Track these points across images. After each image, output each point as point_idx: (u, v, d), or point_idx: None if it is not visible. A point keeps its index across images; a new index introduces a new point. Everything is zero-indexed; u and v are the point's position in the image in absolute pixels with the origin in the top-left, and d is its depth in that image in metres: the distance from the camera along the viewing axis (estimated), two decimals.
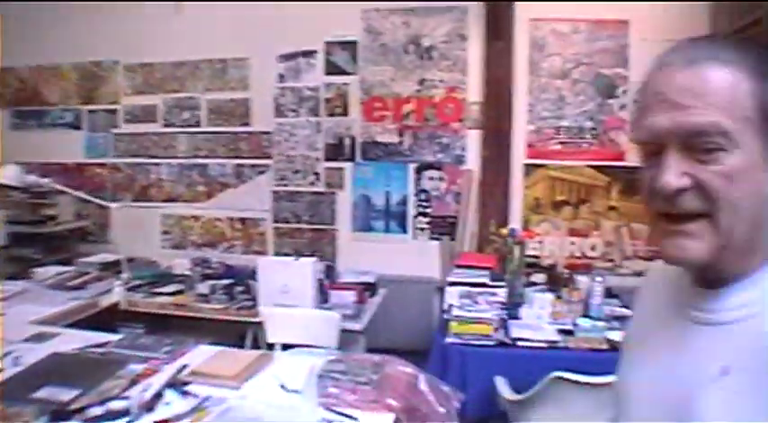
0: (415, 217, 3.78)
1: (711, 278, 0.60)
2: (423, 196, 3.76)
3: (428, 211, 3.76)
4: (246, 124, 4.07)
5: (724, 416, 0.54)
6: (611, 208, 3.53)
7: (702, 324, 0.60)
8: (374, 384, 1.52)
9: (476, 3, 3.61)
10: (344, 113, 3.87)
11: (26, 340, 2.06)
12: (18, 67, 4.52)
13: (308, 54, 3.90)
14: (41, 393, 1.60)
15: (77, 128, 4.45)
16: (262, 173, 4.08)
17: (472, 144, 3.68)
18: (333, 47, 3.86)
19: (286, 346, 2.60)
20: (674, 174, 0.55)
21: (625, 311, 2.61)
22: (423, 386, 1.56)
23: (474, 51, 3.65)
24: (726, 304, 0.59)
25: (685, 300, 0.63)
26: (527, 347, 2.26)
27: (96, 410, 1.54)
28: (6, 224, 3.83)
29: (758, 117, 0.54)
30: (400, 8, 3.73)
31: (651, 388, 0.63)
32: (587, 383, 1.94)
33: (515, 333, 2.33)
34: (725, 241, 0.56)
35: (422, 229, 3.77)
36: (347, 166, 3.89)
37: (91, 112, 4.41)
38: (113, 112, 4.33)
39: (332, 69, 3.87)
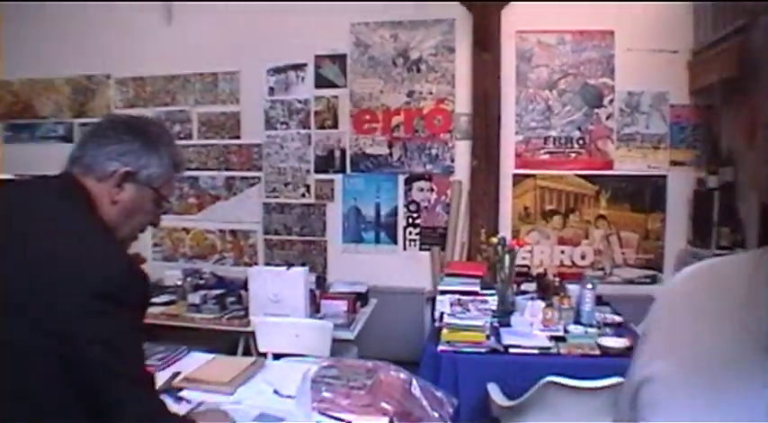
0: (406, 228, 3.73)
1: None
2: (413, 207, 3.72)
3: (418, 221, 3.71)
4: (237, 137, 4.03)
5: None
6: (600, 216, 3.49)
7: None
8: (368, 389, 1.51)
9: (463, 16, 3.61)
10: (334, 126, 3.84)
11: None
12: (11, 81, 4.47)
13: (298, 67, 3.88)
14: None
15: (69, 141, 4.39)
16: (252, 185, 4.03)
17: (461, 155, 3.65)
18: (322, 60, 3.84)
19: (277, 356, 2.55)
20: None
21: (617, 318, 2.60)
22: (416, 391, 1.56)
23: (462, 63, 3.64)
24: None
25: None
26: (519, 354, 2.24)
27: None
28: None
29: None
30: (389, 21, 3.73)
31: None
32: (581, 388, 1.91)
33: (507, 340, 2.30)
34: None
35: (412, 240, 3.72)
36: (337, 177, 3.85)
37: (83, 125, 4.35)
38: None
39: (321, 82, 3.85)
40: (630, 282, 3.44)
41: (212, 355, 1.97)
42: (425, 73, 3.69)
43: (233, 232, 4.13)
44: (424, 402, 1.53)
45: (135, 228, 1.14)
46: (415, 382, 1.59)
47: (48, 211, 1.02)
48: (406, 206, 3.73)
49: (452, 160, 3.66)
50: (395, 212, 3.75)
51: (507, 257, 2.76)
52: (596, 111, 3.49)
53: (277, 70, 3.92)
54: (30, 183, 1.15)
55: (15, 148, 4.51)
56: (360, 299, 3.04)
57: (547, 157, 3.55)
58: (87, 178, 1.06)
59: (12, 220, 1.01)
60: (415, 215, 3.71)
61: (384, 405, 1.45)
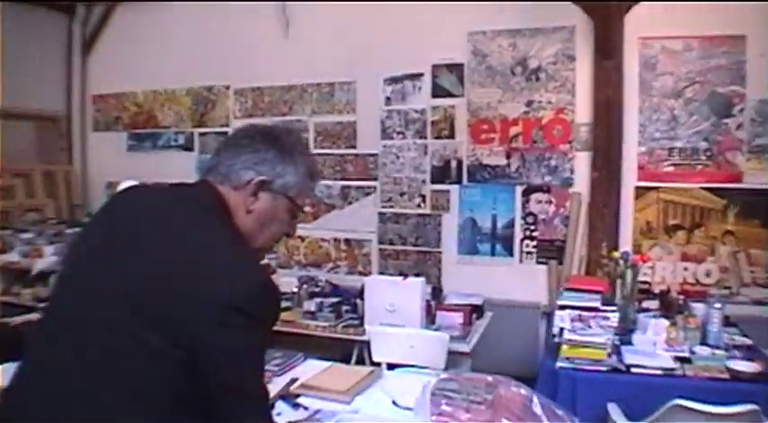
0: (522, 240, 4.96)
1: None
2: (530, 219, 4.94)
3: (535, 234, 4.92)
4: (353, 146, 5.47)
5: None
6: (728, 232, 4.52)
7: None
8: (488, 404, 1.82)
9: (584, 22, 4.76)
10: (451, 136, 5.14)
11: None
12: (136, 92, 6.29)
13: (415, 77, 5.23)
14: None
15: (189, 149, 6.12)
16: (368, 194, 5.46)
17: (581, 166, 4.79)
18: (439, 69, 5.16)
19: (391, 366, 3.16)
20: None
21: (746, 341, 3.20)
22: (537, 408, 1.83)
23: (582, 71, 4.77)
24: None
25: None
26: (642, 374, 2.77)
27: None
28: None
29: None
30: (506, 30, 4.94)
31: None
32: (711, 414, 2.30)
33: (629, 359, 2.85)
34: None
35: (529, 253, 4.95)
36: (453, 188, 5.14)
37: (202, 134, 6.07)
38: (224, 134, 5.90)
39: (438, 92, 5.16)
40: (760, 303, 4.44)
41: (329, 363, 2.59)
42: (545, 82, 4.88)
43: (347, 241, 5.59)
44: (545, 421, 1.80)
45: (270, 238, 1.50)
46: (535, 398, 1.87)
47: (182, 216, 1.37)
48: (524, 218, 4.96)
49: (572, 172, 4.82)
50: (511, 224, 4.98)
51: (629, 273, 3.51)
52: (725, 120, 4.51)
53: (394, 80, 5.30)
54: (166, 188, 1.51)
55: (138, 156, 6.32)
56: (475, 311, 4.04)
57: (671, 169, 4.62)
58: (223, 187, 1.42)
59: (146, 224, 1.35)
60: (532, 227, 4.94)
61: (505, 421, 1.75)
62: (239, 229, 1.42)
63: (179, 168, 6.06)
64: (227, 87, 5.92)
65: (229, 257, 1.31)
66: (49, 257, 4.98)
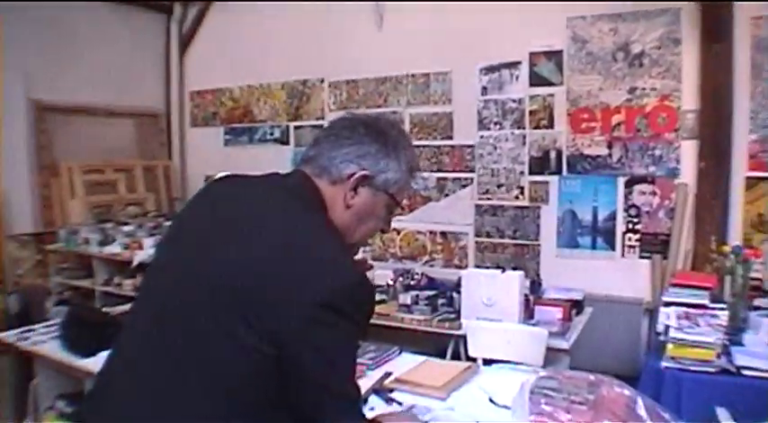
0: (624, 233, 5.18)
1: None
2: (633, 211, 5.16)
3: (638, 227, 5.13)
4: (449, 137, 5.83)
5: None
6: None
7: None
8: (590, 405, 1.84)
9: (690, 3, 4.90)
10: (550, 125, 5.41)
11: None
12: (232, 88, 6.88)
13: (512, 65, 5.53)
14: None
15: (285, 143, 6.66)
16: (464, 186, 5.81)
17: (687, 155, 4.94)
18: (537, 57, 5.44)
19: (487, 362, 3.24)
20: None
21: None
22: (641, 411, 1.83)
23: (689, 56, 4.92)
24: None
25: None
26: (754, 377, 2.76)
27: None
28: None
29: None
30: (607, 14, 5.14)
31: None
32: None
33: (740, 361, 2.84)
34: None
35: (631, 247, 5.17)
36: (553, 179, 5.41)
37: (297, 127, 6.58)
38: (319, 127, 6.39)
39: (537, 80, 5.44)
40: None
41: (424, 358, 2.69)
42: (648, 67, 5.06)
43: (443, 234, 5.96)
44: None
45: (366, 233, 1.56)
46: (640, 400, 1.87)
47: (279, 207, 1.43)
48: (626, 210, 5.18)
49: (677, 161, 4.99)
50: (613, 217, 5.21)
51: (741, 269, 3.49)
52: None
53: (490, 69, 5.62)
54: (262, 177, 1.56)
55: (235, 150, 6.92)
56: (575, 306, 4.22)
57: None
58: (321, 180, 1.48)
59: (242, 211, 1.42)
60: (635, 220, 5.15)
61: None
62: (334, 224, 1.47)
63: (275, 162, 6.57)
64: (322, 81, 6.41)
65: (325, 253, 1.36)
66: (148, 249, 5.46)
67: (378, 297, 4.46)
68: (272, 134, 6.77)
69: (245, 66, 6.82)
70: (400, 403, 2.22)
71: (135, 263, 5.47)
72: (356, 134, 1.51)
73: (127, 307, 3.93)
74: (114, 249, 5.76)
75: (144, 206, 6.88)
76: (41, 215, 6.39)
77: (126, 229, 5.93)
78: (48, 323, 3.44)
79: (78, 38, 6.51)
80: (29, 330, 3.26)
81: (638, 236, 5.16)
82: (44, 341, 3.08)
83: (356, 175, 1.47)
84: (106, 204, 6.58)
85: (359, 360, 2.56)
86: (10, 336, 3.20)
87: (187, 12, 7.31)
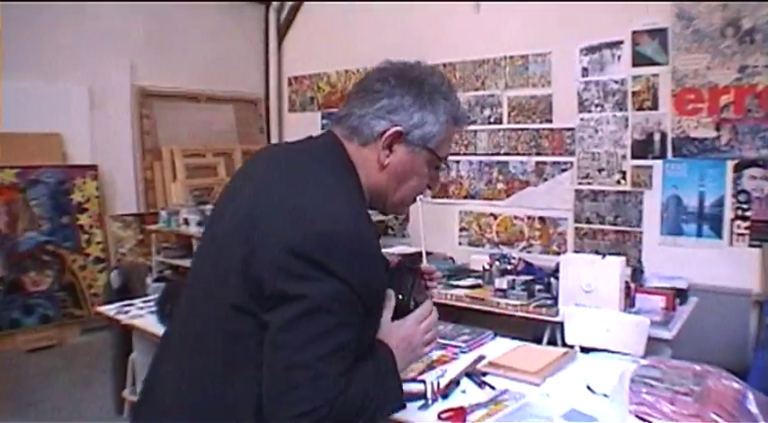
0: (733, 220, 5.04)
1: None
2: (742, 197, 5.01)
3: (748, 214, 4.97)
4: (549, 121, 5.81)
5: None
6: None
7: None
8: (696, 396, 1.79)
9: None
10: (654, 107, 5.31)
11: None
12: (329, 73, 7.07)
13: (613, 45, 5.45)
14: None
15: None
16: (564, 171, 5.79)
17: None
18: (640, 36, 5.34)
19: (584, 349, 3.11)
20: None
21: None
22: (752, 406, 1.76)
23: None
24: None
25: None
26: None
27: None
28: None
29: None
30: None
31: None
32: None
33: None
34: None
35: (740, 235, 5.03)
36: (656, 163, 5.32)
37: None
38: None
39: (640, 60, 5.34)
40: None
41: (519, 342, 2.66)
42: (760, 44, 4.87)
43: (542, 219, 5.96)
44: (762, 421, 1.73)
45: (408, 193, 1.50)
46: (750, 395, 1.80)
47: (292, 169, 1.40)
48: (735, 196, 5.04)
49: None
50: (721, 203, 5.08)
51: None
52: None
53: (591, 49, 5.56)
54: (296, 142, 1.55)
55: None
56: (679, 295, 4.16)
57: None
58: (351, 143, 1.43)
59: (255, 178, 1.43)
60: (744, 206, 5.01)
61: (714, 417, 1.69)
62: (370, 187, 1.44)
63: None
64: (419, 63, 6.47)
65: (315, 201, 1.28)
66: None
67: (472, 281, 4.57)
68: None
69: (341, 50, 6.99)
70: (493, 387, 2.20)
71: None
72: (387, 86, 1.43)
73: None
74: None
75: None
76: (144, 197, 6.82)
77: None
78: (146, 299, 3.69)
79: (181, 27, 6.88)
80: (129, 305, 3.53)
81: (747, 223, 5.02)
82: (142, 315, 3.33)
83: (388, 133, 1.41)
84: (206, 187, 6.89)
85: (451, 342, 2.63)
86: (111, 309, 3.48)
87: (285, 1, 7.55)
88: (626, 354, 3.06)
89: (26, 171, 5.81)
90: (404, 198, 1.52)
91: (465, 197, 6.35)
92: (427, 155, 1.47)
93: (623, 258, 3.86)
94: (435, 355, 2.52)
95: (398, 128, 1.41)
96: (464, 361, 2.47)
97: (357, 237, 1.27)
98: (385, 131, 1.41)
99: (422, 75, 1.48)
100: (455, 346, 2.63)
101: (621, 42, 5.43)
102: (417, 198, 1.58)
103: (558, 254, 5.50)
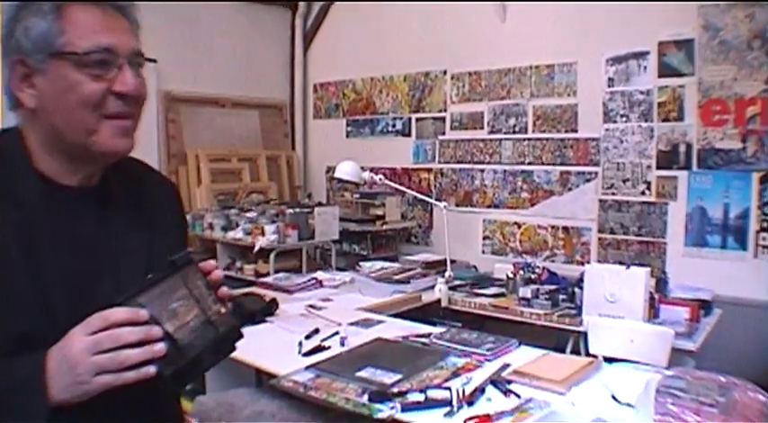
0: (758, 232, 5.08)
1: None
2: (767, 209, 5.10)
3: None
4: (574, 130, 5.89)
5: None
6: None
7: None
8: (721, 408, 1.83)
9: None
10: (680, 118, 5.37)
11: (353, 324, 3.30)
12: (354, 80, 7.20)
13: (640, 55, 5.53)
14: (364, 373, 2.42)
15: (407, 135, 6.91)
16: (588, 181, 5.86)
17: None
18: (667, 46, 5.41)
19: (608, 360, 3.22)
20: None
21: None
22: None
23: None
24: None
25: None
26: None
27: (416, 396, 2.19)
28: (340, 221, 6.20)
29: None
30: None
31: None
32: None
33: None
34: None
35: (765, 247, 5.07)
36: (681, 174, 5.38)
37: (419, 120, 6.82)
38: (440, 119, 6.61)
39: (666, 71, 5.42)
40: None
41: (544, 351, 2.77)
42: None
43: (566, 229, 6.04)
44: None
45: (76, 116, 1.17)
46: None
47: None
48: (760, 208, 5.08)
49: None
50: (746, 215, 5.12)
51: None
52: None
53: (617, 59, 5.64)
54: None
55: (356, 142, 7.23)
56: (703, 307, 4.24)
57: None
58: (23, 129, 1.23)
59: None
60: None
61: None
62: (45, 143, 1.22)
63: (396, 154, 6.91)
64: (444, 72, 6.60)
65: None
66: (270, 235, 5.75)
67: (495, 290, 4.69)
68: (393, 126, 7.03)
69: (367, 58, 7.13)
70: (518, 395, 2.26)
71: (257, 248, 5.75)
72: None
73: (248, 290, 4.29)
74: (237, 235, 6.05)
75: (267, 194, 7.24)
76: None
77: (249, 215, 6.21)
78: None
79: (207, 32, 7.01)
80: None
81: None
82: None
83: (11, 67, 1.18)
84: (231, 192, 7.01)
85: (476, 350, 2.75)
86: None
87: (311, 7, 7.69)
88: (650, 364, 3.15)
89: None
90: (73, 122, 1.19)
91: (489, 206, 6.44)
92: (61, 62, 1.16)
93: (648, 269, 3.92)
94: (461, 362, 2.62)
95: (15, 57, 1.17)
96: (489, 369, 2.56)
97: None
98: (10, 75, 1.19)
99: None
100: (480, 355, 2.72)
101: (648, 53, 5.50)
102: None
103: (582, 264, 5.55)
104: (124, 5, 1.26)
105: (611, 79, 5.68)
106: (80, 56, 1.15)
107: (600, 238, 5.84)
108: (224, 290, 1.25)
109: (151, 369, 1.07)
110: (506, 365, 2.57)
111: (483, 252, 6.44)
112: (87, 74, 1.16)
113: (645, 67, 5.52)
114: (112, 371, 1.06)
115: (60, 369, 1.06)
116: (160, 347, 1.08)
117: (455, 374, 2.48)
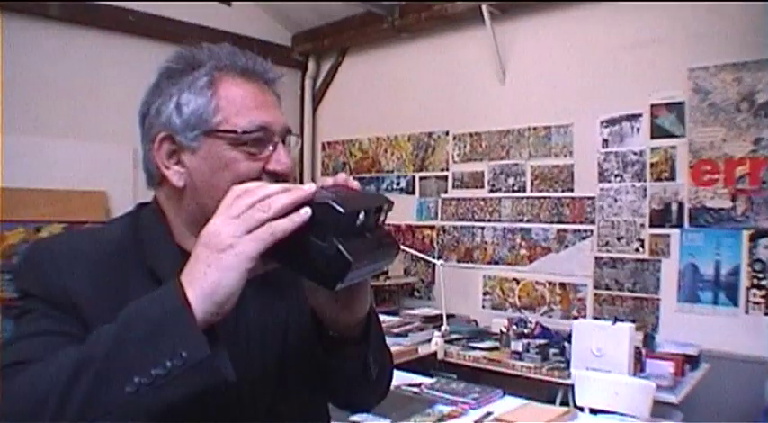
0: (749, 289, 5.13)
1: None
2: (758, 266, 5.12)
3: (764, 282, 5.06)
4: (570, 190, 6.02)
5: None
6: None
7: None
8: None
9: None
10: (671, 178, 5.49)
11: None
12: (360, 139, 7.42)
13: (633, 118, 5.69)
14: (357, 417, 2.57)
15: (411, 192, 7.08)
16: (584, 238, 5.97)
17: None
18: (659, 109, 5.57)
19: (594, 411, 3.62)
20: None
21: None
22: None
23: None
24: None
25: None
26: None
27: None
28: None
29: None
30: (731, 64, 5.22)
31: None
32: None
33: None
34: None
35: (756, 303, 5.10)
36: (674, 232, 5.46)
37: (422, 178, 6.99)
38: (443, 178, 6.78)
39: (658, 132, 5.56)
40: None
41: (526, 401, 2.98)
42: None
43: (562, 285, 6.11)
44: None
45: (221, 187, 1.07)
46: None
47: None
48: (750, 265, 5.17)
49: None
50: (736, 271, 5.18)
51: None
52: None
53: (611, 122, 5.80)
54: None
55: None
56: (689, 361, 4.39)
57: None
58: (156, 192, 1.23)
59: None
60: (760, 275, 5.09)
61: None
62: (189, 220, 1.18)
63: (401, 211, 7.04)
64: (447, 133, 6.80)
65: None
66: None
67: (490, 344, 4.96)
68: (398, 184, 7.21)
69: (373, 118, 7.36)
70: None
71: None
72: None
73: None
74: None
75: None
76: None
77: None
78: None
79: None
80: None
81: (763, 292, 5.11)
82: None
83: (156, 144, 1.17)
84: None
85: (462, 399, 2.90)
86: None
87: (320, 67, 7.96)
88: (632, 416, 3.40)
89: (72, 226, 6.14)
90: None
91: (489, 262, 6.53)
92: (215, 140, 1.14)
93: (632, 325, 4.18)
94: (447, 409, 2.77)
95: (163, 133, 1.17)
96: (473, 416, 2.71)
97: (37, 247, 1.16)
98: (154, 147, 1.18)
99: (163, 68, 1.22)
100: (465, 403, 2.88)
101: (640, 115, 5.66)
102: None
103: (577, 319, 5.63)
104: (273, 79, 1.27)
105: (605, 140, 5.84)
106: (238, 135, 1.13)
107: (596, 294, 5.91)
108: None
109: (308, 211, 0.96)
110: (488, 414, 2.72)
111: (483, 307, 6.51)
112: (243, 152, 1.14)
113: (638, 129, 5.68)
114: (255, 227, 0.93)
115: (207, 249, 0.93)
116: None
117: (440, 420, 2.64)
